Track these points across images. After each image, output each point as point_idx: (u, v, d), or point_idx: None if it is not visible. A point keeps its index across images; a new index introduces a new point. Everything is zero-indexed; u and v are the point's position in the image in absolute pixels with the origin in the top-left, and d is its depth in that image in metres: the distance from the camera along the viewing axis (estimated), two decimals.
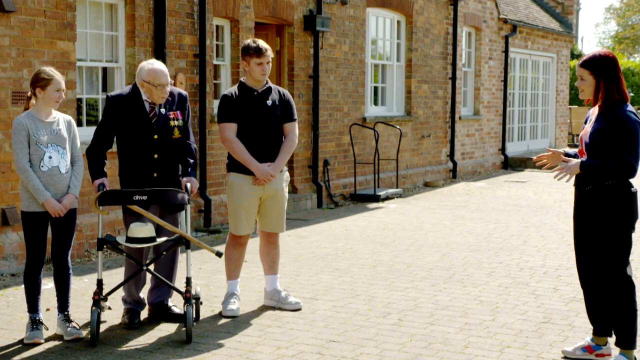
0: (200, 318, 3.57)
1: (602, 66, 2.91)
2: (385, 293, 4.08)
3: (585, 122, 3.06)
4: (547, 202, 7.68)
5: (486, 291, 4.14)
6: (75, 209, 3.33)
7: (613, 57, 2.94)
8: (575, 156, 3.06)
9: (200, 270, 4.59)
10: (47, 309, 3.64)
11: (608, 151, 2.89)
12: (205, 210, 6.00)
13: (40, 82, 3.20)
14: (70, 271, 3.37)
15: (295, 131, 3.77)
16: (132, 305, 3.54)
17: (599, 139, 2.91)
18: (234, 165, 3.70)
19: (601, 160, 2.89)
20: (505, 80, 10.98)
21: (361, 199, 7.67)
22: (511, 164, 11.24)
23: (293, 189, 7.10)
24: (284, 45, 7.05)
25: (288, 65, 7.06)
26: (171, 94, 3.51)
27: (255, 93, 3.68)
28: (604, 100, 2.92)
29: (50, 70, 3.24)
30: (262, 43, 3.66)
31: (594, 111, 3.01)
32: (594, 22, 62.00)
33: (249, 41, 3.69)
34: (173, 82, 5.02)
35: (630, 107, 2.92)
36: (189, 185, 3.48)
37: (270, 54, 3.65)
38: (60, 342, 3.23)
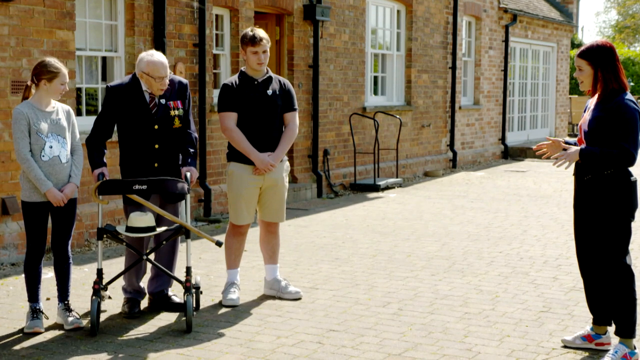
0: (201, 307, 3.56)
1: (600, 56, 2.90)
2: (385, 282, 4.07)
3: (585, 111, 3.05)
4: (547, 192, 7.66)
5: (486, 280, 4.13)
6: (75, 199, 3.32)
7: (611, 47, 2.92)
8: (575, 145, 3.05)
9: (200, 260, 4.58)
10: (48, 299, 3.64)
11: (607, 140, 2.88)
12: (205, 200, 5.98)
13: (47, 74, 3.19)
14: (71, 261, 3.36)
15: (295, 121, 3.75)
16: (132, 295, 3.53)
17: (598, 127, 2.90)
18: (234, 155, 3.68)
19: (601, 148, 2.88)
20: (505, 70, 10.91)
21: (361, 189, 7.65)
22: (511, 154, 11.21)
23: (293, 179, 7.07)
24: (284, 34, 6.99)
25: (288, 55, 7.01)
26: (171, 82, 3.48)
27: (256, 82, 3.66)
28: (603, 89, 2.91)
29: (56, 62, 3.23)
30: (258, 32, 3.63)
31: (593, 100, 3.00)
32: (595, 11, 61.40)
33: (247, 30, 3.67)
34: (172, 72, 4.99)
35: (629, 96, 2.91)
36: (188, 174, 3.46)
37: (266, 42, 3.62)
38: (61, 331, 3.23)
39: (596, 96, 2.96)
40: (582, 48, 2.97)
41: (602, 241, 2.94)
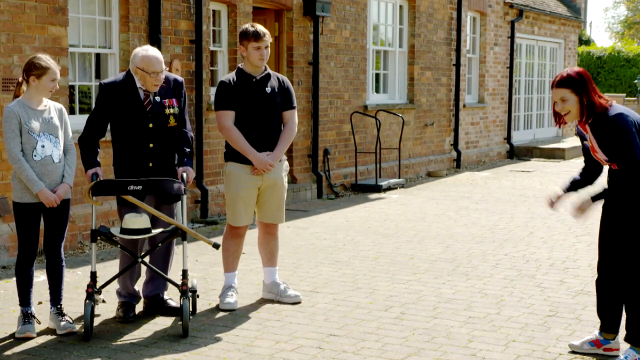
0: (197, 311, 3.50)
1: (581, 83, 2.87)
2: (387, 286, 4.00)
3: (584, 139, 2.98)
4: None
5: (491, 284, 4.06)
6: (68, 200, 3.26)
7: (585, 72, 2.92)
8: (579, 180, 3.02)
9: (197, 263, 4.51)
10: (40, 302, 3.58)
11: (619, 155, 2.83)
12: (202, 201, 5.90)
13: (35, 70, 3.13)
14: (63, 263, 3.30)
15: (294, 119, 3.69)
16: (127, 299, 3.47)
17: (608, 149, 2.86)
18: (232, 155, 3.62)
19: (605, 185, 2.85)
20: (511, 67, 10.80)
21: (362, 189, 7.56)
22: (517, 154, 11.09)
23: (292, 179, 7.00)
24: (283, 30, 6.91)
25: (287, 52, 6.93)
26: (166, 80, 3.42)
27: (254, 80, 3.59)
28: (589, 114, 2.86)
29: (47, 58, 3.17)
30: (260, 27, 3.58)
31: (584, 126, 2.94)
32: (603, 6, 60.87)
33: (246, 26, 3.61)
34: (168, 68, 4.92)
35: (614, 109, 2.85)
36: (185, 175, 3.41)
37: (268, 38, 3.57)
38: (53, 336, 3.17)
39: (584, 123, 2.91)
40: (557, 79, 2.92)
41: (629, 250, 2.86)
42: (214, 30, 6.24)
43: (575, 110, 2.88)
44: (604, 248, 2.97)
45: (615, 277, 2.93)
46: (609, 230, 2.95)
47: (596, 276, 3.03)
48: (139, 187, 3.20)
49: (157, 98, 3.37)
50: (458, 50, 9.41)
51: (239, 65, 3.67)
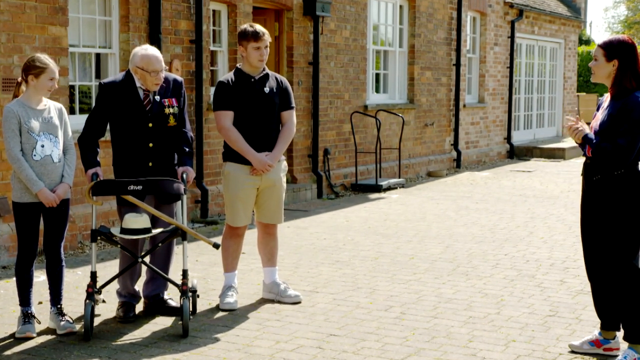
0: (197, 311, 3.50)
1: (617, 50, 2.85)
2: (387, 286, 4.00)
3: (598, 110, 3.00)
4: (554, 192, 7.59)
5: (491, 284, 4.06)
6: (68, 200, 3.26)
7: (632, 44, 2.88)
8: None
9: (197, 263, 4.51)
10: (40, 302, 3.58)
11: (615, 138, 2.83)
12: (202, 201, 5.90)
13: (34, 69, 3.13)
14: (63, 263, 3.30)
15: (293, 119, 3.69)
16: (127, 299, 3.47)
17: (609, 126, 2.85)
18: (230, 155, 3.61)
19: (601, 141, 2.83)
20: (511, 67, 10.80)
21: (362, 189, 7.56)
22: (517, 153, 11.09)
23: (292, 179, 7.00)
24: (283, 30, 6.91)
25: (287, 52, 6.92)
26: (166, 80, 3.42)
27: (253, 80, 3.59)
28: (617, 86, 2.86)
29: (45, 57, 3.17)
30: (259, 27, 3.58)
31: (607, 98, 2.95)
32: (603, 6, 60.93)
33: (245, 26, 3.60)
34: (168, 68, 4.92)
35: None
36: (185, 174, 3.41)
37: (267, 38, 3.57)
38: (53, 336, 3.17)
39: (609, 93, 2.91)
40: (604, 39, 2.95)
41: (611, 243, 2.88)
42: (214, 30, 6.23)
43: (599, 74, 2.89)
44: (586, 237, 2.97)
45: (601, 266, 2.93)
46: (590, 227, 2.95)
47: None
48: (139, 187, 3.20)
49: (157, 97, 3.37)
50: (458, 50, 9.41)
51: (238, 65, 3.67)
